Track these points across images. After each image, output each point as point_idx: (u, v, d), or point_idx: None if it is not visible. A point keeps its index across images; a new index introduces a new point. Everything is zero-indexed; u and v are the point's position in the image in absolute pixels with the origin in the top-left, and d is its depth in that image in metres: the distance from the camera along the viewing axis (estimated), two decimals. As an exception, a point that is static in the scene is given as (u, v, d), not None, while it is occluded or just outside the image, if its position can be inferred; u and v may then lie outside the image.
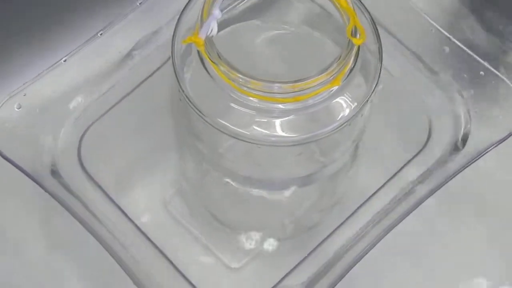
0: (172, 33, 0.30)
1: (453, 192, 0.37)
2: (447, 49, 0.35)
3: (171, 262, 0.32)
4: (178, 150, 0.38)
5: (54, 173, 0.33)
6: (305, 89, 0.27)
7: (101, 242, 0.31)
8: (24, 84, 0.33)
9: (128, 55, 0.36)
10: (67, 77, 0.34)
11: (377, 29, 0.30)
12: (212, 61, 0.27)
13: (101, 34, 0.34)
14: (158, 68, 0.36)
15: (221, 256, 0.37)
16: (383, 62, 0.30)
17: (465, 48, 0.34)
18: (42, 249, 0.37)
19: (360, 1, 0.30)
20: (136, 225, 0.33)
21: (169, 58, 0.30)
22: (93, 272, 0.37)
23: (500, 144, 0.34)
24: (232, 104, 0.28)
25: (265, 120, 0.29)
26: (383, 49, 0.30)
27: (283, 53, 0.33)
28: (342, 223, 0.33)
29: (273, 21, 0.33)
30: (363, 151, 0.35)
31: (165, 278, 0.32)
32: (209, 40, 0.27)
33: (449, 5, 0.39)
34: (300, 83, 0.27)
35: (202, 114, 0.29)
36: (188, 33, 0.29)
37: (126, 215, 0.33)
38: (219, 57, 0.27)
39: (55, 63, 0.34)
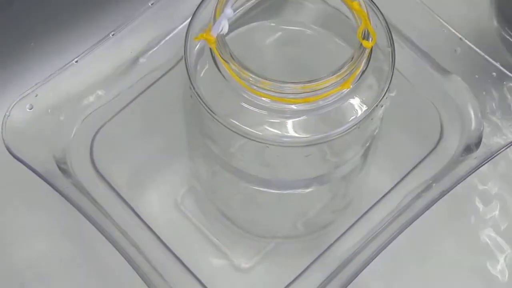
0: (184, 34, 0.30)
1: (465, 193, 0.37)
2: (458, 49, 0.35)
3: (182, 262, 0.33)
4: (189, 150, 0.38)
5: (66, 173, 0.33)
6: (316, 90, 0.27)
7: (112, 242, 0.31)
8: (35, 84, 0.33)
9: (140, 55, 0.36)
10: (78, 77, 0.34)
11: (390, 32, 0.30)
12: (223, 59, 0.28)
13: (113, 35, 0.34)
14: (170, 69, 0.36)
15: (232, 256, 0.37)
16: (396, 66, 0.30)
17: (476, 49, 0.34)
18: (54, 247, 0.37)
19: (374, 3, 0.30)
20: (147, 225, 0.33)
21: (181, 58, 0.30)
22: (103, 271, 0.37)
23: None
24: (244, 104, 0.28)
25: (277, 121, 0.29)
26: (395, 55, 0.30)
27: (295, 54, 0.33)
28: (353, 224, 0.33)
29: (285, 22, 0.33)
30: (375, 152, 0.34)
31: (176, 278, 0.32)
32: (221, 38, 0.28)
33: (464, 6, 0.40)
34: (310, 84, 0.27)
35: (213, 113, 0.29)
36: (201, 32, 0.29)
37: (138, 215, 0.34)
38: (231, 56, 0.28)
39: (67, 64, 0.34)
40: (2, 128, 0.33)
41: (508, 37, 0.40)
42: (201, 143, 0.34)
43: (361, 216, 0.33)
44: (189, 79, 0.30)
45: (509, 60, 0.39)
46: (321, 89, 0.27)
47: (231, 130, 0.29)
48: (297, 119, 0.29)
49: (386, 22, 0.30)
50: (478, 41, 0.37)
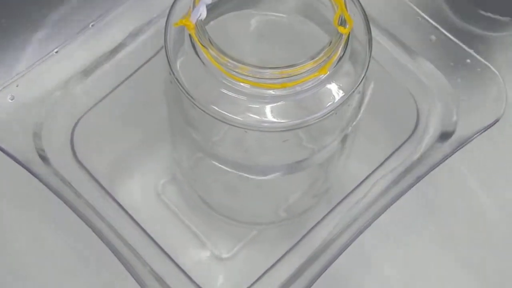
0: (163, 24, 0.30)
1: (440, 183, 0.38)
2: (433, 38, 0.35)
3: (163, 250, 0.33)
4: (171, 139, 0.38)
5: (47, 162, 0.34)
6: (294, 75, 0.27)
7: (93, 229, 0.32)
8: (16, 75, 0.34)
9: (120, 45, 0.36)
10: (59, 68, 0.35)
11: (368, 20, 0.30)
12: (202, 45, 0.28)
13: (92, 26, 0.35)
14: (150, 58, 0.36)
15: (213, 244, 0.37)
16: (372, 52, 0.30)
17: (451, 36, 0.35)
18: (38, 231, 0.38)
19: None
20: (129, 214, 0.33)
21: (161, 48, 0.30)
22: (84, 256, 0.37)
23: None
24: (224, 90, 0.28)
25: (256, 106, 0.29)
26: (372, 42, 0.30)
27: (275, 41, 0.33)
28: (330, 211, 0.33)
29: (267, 10, 0.33)
30: (353, 139, 0.34)
31: (157, 265, 0.32)
32: (199, 24, 0.28)
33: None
34: (288, 69, 0.27)
35: (194, 99, 0.29)
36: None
37: (119, 204, 0.34)
38: (210, 42, 0.28)
39: (47, 54, 0.34)
40: None
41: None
42: (182, 131, 0.34)
43: (339, 202, 0.33)
44: (169, 66, 0.30)
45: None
46: (299, 74, 0.27)
47: (211, 116, 0.29)
48: (275, 104, 0.29)
49: (364, 11, 0.30)
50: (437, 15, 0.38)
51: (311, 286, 0.31)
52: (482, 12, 0.40)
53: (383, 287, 0.36)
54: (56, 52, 0.34)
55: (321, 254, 0.32)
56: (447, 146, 0.33)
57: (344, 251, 0.31)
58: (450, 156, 0.33)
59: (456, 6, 0.41)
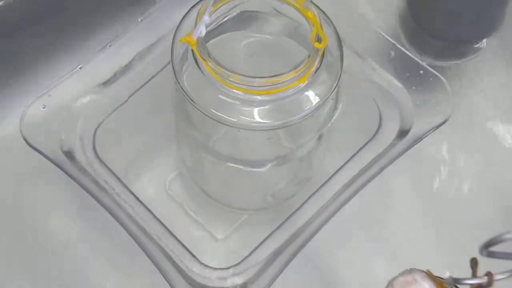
0: (168, 44, 0.31)
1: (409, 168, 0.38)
2: (392, 53, 0.35)
3: (170, 231, 0.33)
4: (177, 139, 0.37)
5: (73, 160, 0.34)
6: (277, 84, 0.28)
7: (112, 214, 0.32)
8: (47, 88, 0.34)
9: (132, 62, 0.36)
10: (83, 81, 0.35)
11: (339, 39, 0.31)
12: (202, 58, 0.28)
13: (109, 46, 0.35)
14: (158, 72, 0.36)
15: (210, 227, 0.37)
16: (344, 66, 0.31)
17: (407, 52, 0.35)
18: (68, 218, 0.37)
19: (327, 16, 0.31)
20: (142, 203, 0.33)
21: (168, 63, 0.31)
22: (104, 237, 0.37)
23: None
24: (221, 96, 0.29)
25: (247, 109, 0.29)
26: (344, 56, 0.31)
27: (263, 56, 0.33)
28: (308, 198, 0.33)
29: (256, 32, 0.33)
30: (329, 137, 0.34)
31: (165, 244, 0.32)
32: (200, 40, 0.28)
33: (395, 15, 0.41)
34: (273, 78, 0.28)
35: (196, 104, 0.29)
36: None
37: (133, 194, 0.34)
38: (208, 55, 0.28)
39: (73, 70, 0.35)
40: (20, 123, 0.33)
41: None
42: (187, 131, 0.34)
43: (317, 189, 0.33)
44: (175, 76, 0.30)
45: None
46: (282, 82, 0.28)
47: (211, 118, 0.29)
48: (263, 107, 0.29)
49: (336, 31, 0.31)
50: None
51: (292, 260, 0.31)
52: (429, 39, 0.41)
53: (354, 258, 0.36)
54: (80, 68, 0.35)
55: (301, 232, 0.32)
56: (404, 142, 0.34)
57: (321, 229, 0.32)
58: (407, 150, 0.33)
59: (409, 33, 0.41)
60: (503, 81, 0.42)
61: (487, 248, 0.23)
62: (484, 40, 0.40)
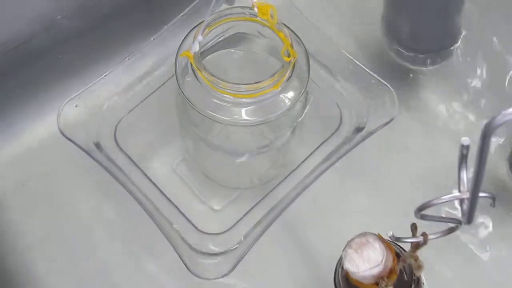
0: (174, 59, 0.31)
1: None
2: (351, 67, 0.35)
3: (176, 206, 0.33)
4: (181, 134, 0.37)
5: (100, 149, 0.34)
6: (258, 89, 0.29)
7: (130, 192, 0.33)
8: (79, 91, 0.35)
9: (146, 72, 0.36)
10: (107, 86, 0.35)
11: (307, 54, 0.31)
12: (198, 69, 0.29)
13: (128, 59, 0.36)
14: (166, 81, 0.36)
15: (209, 202, 0.37)
16: (310, 76, 0.31)
17: (362, 66, 0.35)
18: (95, 198, 0.37)
19: (298, 36, 0.31)
20: (154, 183, 0.34)
21: (173, 74, 0.31)
22: (123, 211, 0.36)
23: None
24: (214, 100, 0.30)
25: (236, 109, 0.30)
26: (310, 67, 0.31)
27: (248, 68, 0.34)
28: (284, 179, 0.33)
29: (242, 49, 0.34)
30: (299, 132, 0.35)
31: (171, 215, 0.33)
32: (196, 55, 0.29)
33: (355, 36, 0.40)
34: (254, 85, 0.28)
35: (195, 106, 0.30)
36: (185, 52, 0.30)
37: (147, 176, 0.34)
38: (203, 67, 0.29)
39: (99, 78, 0.35)
40: (57, 119, 0.34)
41: (393, 49, 0.39)
42: (188, 128, 0.35)
43: (290, 173, 0.34)
44: (178, 84, 0.31)
45: (395, 66, 0.39)
46: (261, 88, 0.29)
47: (207, 117, 0.30)
48: (248, 108, 0.30)
49: (305, 48, 0.31)
50: (373, 54, 0.38)
51: (270, 225, 0.32)
52: (397, 47, 0.39)
53: (319, 224, 0.36)
54: (105, 76, 0.35)
55: (279, 204, 0.32)
56: (359, 137, 0.34)
57: (293, 201, 0.32)
58: (361, 142, 0.34)
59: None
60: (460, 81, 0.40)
61: (420, 212, 0.23)
62: (446, 50, 0.39)
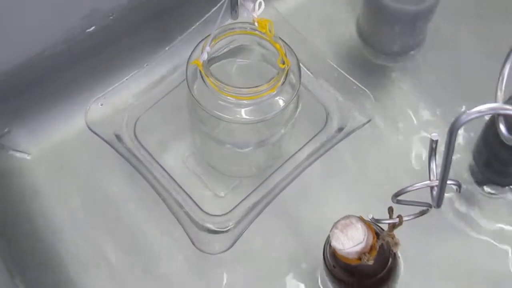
0: (185, 66, 0.32)
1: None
2: (336, 74, 0.35)
3: (186, 191, 0.33)
4: (191, 130, 0.37)
5: (121, 142, 0.34)
6: (256, 92, 0.29)
7: (146, 179, 0.33)
8: (104, 92, 0.35)
9: (162, 77, 0.36)
10: (128, 88, 0.35)
11: (299, 63, 0.31)
12: (206, 75, 0.29)
13: (146, 65, 0.35)
14: (178, 85, 0.36)
15: (214, 189, 0.37)
16: (301, 81, 0.31)
17: (345, 74, 0.35)
18: (116, 182, 0.37)
19: (291, 48, 0.31)
20: (167, 172, 0.34)
21: (184, 79, 0.31)
22: (141, 194, 0.36)
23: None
24: (219, 101, 0.30)
25: (237, 109, 0.30)
26: (301, 74, 0.31)
27: (248, 75, 0.34)
28: (278, 167, 0.34)
29: (244, 59, 0.34)
30: (292, 129, 0.34)
31: (181, 200, 0.33)
32: (205, 63, 0.29)
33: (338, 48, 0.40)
34: (253, 89, 0.29)
35: (203, 107, 0.30)
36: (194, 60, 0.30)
37: (161, 166, 0.34)
38: (210, 73, 0.29)
39: (121, 81, 0.35)
40: (85, 116, 0.34)
41: (367, 51, 0.39)
42: (197, 125, 0.34)
43: (283, 163, 0.34)
44: (189, 88, 0.31)
45: (368, 67, 0.39)
46: (259, 91, 0.29)
47: (213, 116, 0.30)
48: (247, 108, 0.30)
49: (297, 57, 0.31)
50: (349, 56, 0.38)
51: (265, 207, 0.32)
52: (371, 49, 0.39)
53: (310, 207, 0.36)
54: (126, 79, 0.35)
55: (273, 190, 0.33)
56: (342, 134, 0.34)
57: (286, 188, 0.33)
58: (344, 139, 0.34)
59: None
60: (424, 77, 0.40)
61: (396, 197, 0.24)
62: (413, 52, 0.39)
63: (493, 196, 0.36)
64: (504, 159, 0.31)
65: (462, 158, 0.36)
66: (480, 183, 0.36)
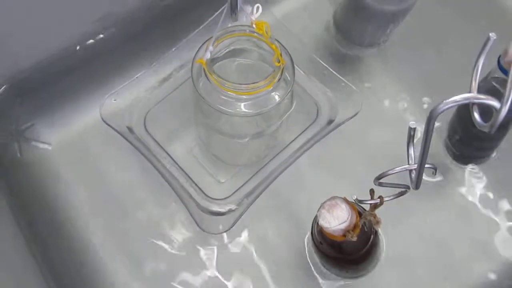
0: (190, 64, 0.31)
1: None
2: (325, 72, 0.35)
3: (191, 178, 0.34)
4: (196, 122, 0.37)
5: (133, 132, 0.34)
6: (254, 88, 0.29)
7: (155, 167, 0.33)
8: (117, 88, 0.35)
9: (169, 75, 0.36)
10: (139, 84, 0.35)
11: (292, 62, 0.31)
12: (209, 72, 0.29)
13: (154, 64, 0.35)
14: (184, 82, 0.36)
15: (216, 176, 0.36)
16: (295, 78, 0.31)
17: (334, 72, 0.35)
18: (128, 169, 0.37)
19: (286, 48, 0.31)
20: (174, 160, 0.34)
21: (189, 77, 0.31)
22: (151, 181, 0.36)
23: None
24: (221, 96, 0.30)
25: (238, 103, 0.30)
26: (295, 72, 0.31)
27: (248, 73, 0.34)
28: (274, 157, 0.34)
29: (243, 58, 0.33)
30: (287, 121, 0.34)
31: (187, 186, 0.33)
32: (208, 61, 0.29)
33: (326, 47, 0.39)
34: (251, 85, 0.29)
35: (206, 101, 0.30)
36: (199, 59, 0.30)
37: (169, 155, 0.34)
38: (213, 71, 0.29)
39: (132, 79, 0.35)
40: (100, 110, 0.34)
41: (343, 46, 0.39)
42: (201, 118, 0.34)
43: (279, 152, 0.34)
44: (194, 84, 0.30)
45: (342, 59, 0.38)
46: (257, 87, 0.29)
47: (216, 110, 0.30)
48: (246, 103, 0.30)
49: (291, 57, 0.31)
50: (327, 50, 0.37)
51: (262, 192, 0.32)
52: (346, 42, 0.38)
53: (301, 191, 0.36)
54: (137, 77, 0.35)
55: (270, 176, 0.33)
56: (331, 126, 0.34)
57: (279, 175, 0.33)
58: (333, 131, 0.34)
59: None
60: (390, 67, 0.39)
61: (378, 180, 0.24)
62: (381, 44, 0.39)
63: (466, 169, 0.35)
64: (477, 136, 0.31)
65: (437, 136, 0.36)
66: (454, 158, 0.35)
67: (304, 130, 0.35)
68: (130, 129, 0.34)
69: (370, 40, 0.38)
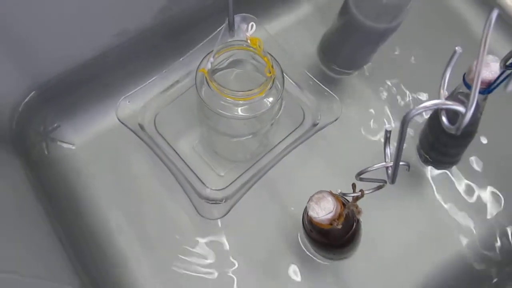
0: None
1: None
2: (311, 82, 0.35)
3: (194, 171, 0.33)
4: (199, 123, 0.36)
5: (144, 131, 0.34)
6: (249, 94, 0.28)
7: (163, 161, 0.33)
8: (131, 92, 0.34)
9: (177, 81, 0.35)
10: (150, 89, 0.35)
11: (282, 72, 0.30)
12: (211, 80, 0.28)
13: (164, 72, 0.34)
14: (189, 88, 0.35)
15: (216, 170, 0.36)
16: (284, 87, 0.30)
17: (318, 82, 0.34)
18: (141, 163, 0.36)
19: (276, 60, 0.30)
20: (179, 155, 0.33)
21: (193, 84, 0.30)
22: (160, 173, 0.35)
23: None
24: (221, 101, 0.29)
25: (235, 108, 0.29)
26: (284, 81, 0.30)
27: (244, 81, 0.33)
28: (266, 153, 0.34)
29: (240, 69, 0.32)
30: (277, 124, 0.33)
31: (190, 178, 0.33)
32: (210, 71, 0.28)
33: (312, 60, 0.39)
34: (247, 92, 0.28)
35: (208, 106, 0.29)
36: (201, 69, 0.29)
37: (175, 150, 0.34)
38: (214, 79, 0.28)
39: (144, 84, 0.34)
40: (116, 110, 0.33)
41: (327, 67, 0.38)
42: (204, 120, 0.33)
43: (270, 150, 0.34)
44: (197, 91, 0.30)
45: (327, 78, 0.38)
46: (251, 94, 0.28)
47: (216, 113, 0.29)
48: (242, 107, 0.29)
49: (281, 68, 0.30)
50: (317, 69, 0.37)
51: (254, 184, 0.32)
52: (335, 67, 0.38)
53: (289, 184, 0.35)
54: (149, 82, 0.34)
55: (262, 170, 0.32)
56: (315, 129, 0.34)
57: (271, 168, 0.32)
58: (316, 133, 0.33)
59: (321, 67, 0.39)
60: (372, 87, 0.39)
61: (359, 176, 0.24)
62: (364, 67, 0.38)
63: (434, 169, 0.36)
64: (445, 142, 0.31)
65: (410, 142, 0.36)
66: (425, 161, 0.35)
67: (292, 132, 0.34)
68: (142, 128, 0.34)
69: (358, 63, 0.37)
